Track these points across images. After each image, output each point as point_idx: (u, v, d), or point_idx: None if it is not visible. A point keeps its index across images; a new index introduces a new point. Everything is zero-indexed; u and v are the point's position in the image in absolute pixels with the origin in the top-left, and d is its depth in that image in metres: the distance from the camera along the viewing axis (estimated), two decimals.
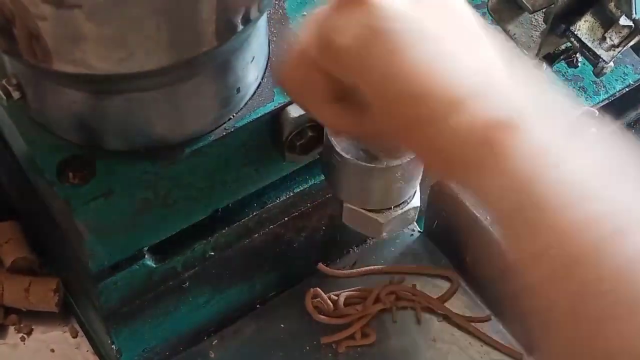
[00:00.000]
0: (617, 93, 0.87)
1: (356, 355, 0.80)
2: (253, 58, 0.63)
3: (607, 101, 0.87)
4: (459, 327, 0.81)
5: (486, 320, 0.81)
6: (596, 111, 0.85)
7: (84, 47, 0.52)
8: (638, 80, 0.86)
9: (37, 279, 0.79)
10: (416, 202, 0.66)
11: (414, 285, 0.82)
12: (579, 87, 0.87)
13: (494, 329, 0.81)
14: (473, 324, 0.81)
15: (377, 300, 0.81)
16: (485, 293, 0.81)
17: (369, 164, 0.61)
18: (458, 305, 0.82)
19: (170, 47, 0.53)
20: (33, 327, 0.80)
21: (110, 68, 0.53)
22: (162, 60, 0.53)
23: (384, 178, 0.62)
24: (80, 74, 0.54)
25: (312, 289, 0.81)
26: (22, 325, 0.80)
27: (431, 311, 0.82)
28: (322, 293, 0.80)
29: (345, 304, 0.81)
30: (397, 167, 0.61)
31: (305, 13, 0.70)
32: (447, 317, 0.81)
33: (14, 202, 0.81)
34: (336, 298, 0.81)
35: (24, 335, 0.80)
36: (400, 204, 0.65)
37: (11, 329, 0.80)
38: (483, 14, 0.89)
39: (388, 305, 0.81)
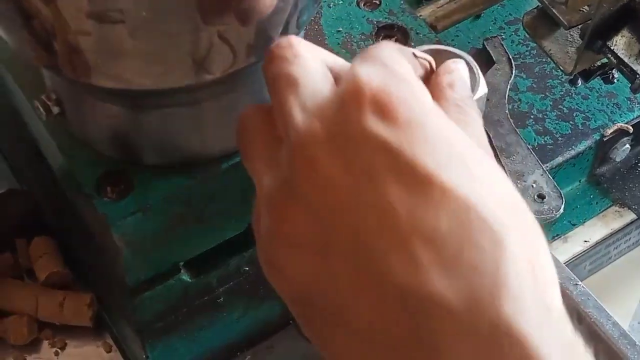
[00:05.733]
0: None
1: None
2: None
3: None
4: None
5: None
6: (631, 128, 0.85)
7: (124, 63, 0.52)
8: None
9: (71, 293, 0.80)
10: None
11: None
12: (613, 104, 0.87)
13: None
14: None
15: None
16: None
17: None
18: None
19: (210, 63, 0.53)
20: (67, 341, 0.81)
21: (150, 83, 0.53)
22: (201, 76, 0.54)
23: None
24: (119, 89, 0.54)
25: None
26: (55, 340, 0.80)
27: None
28: None
29: None
30: None
31: (340, 29, 0.70)
32: None
33: (48, 217, 0.82)
34: None
35: (58, 350, 0.80)
36: None
37: (45, 343, 0.80)
38: (517, 30, 0.90)
39: None
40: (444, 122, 0.44)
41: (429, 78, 0.52)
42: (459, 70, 0.52)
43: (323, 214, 0.42)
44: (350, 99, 0.43)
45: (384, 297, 0.41)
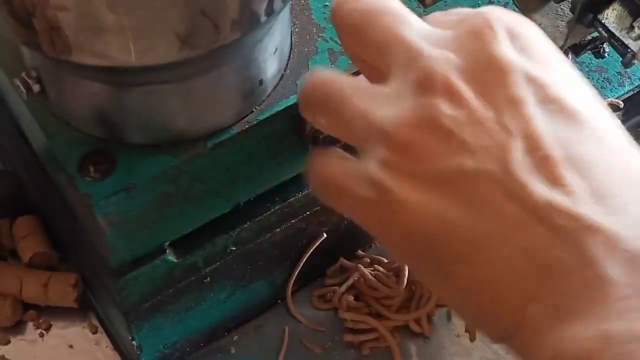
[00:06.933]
0: None
1: (379, 351, 0.79)
2: (276, 49, 0.62)
3: (632, 92, 0.86)
4: None
5: None
6: (621, 103, 0.84)
7: (104, 39, 0.51)
8: None
9: (56, 274, 0.79)
10: None
11: None
12: (604, 79, 0.86)
13: None
14: None
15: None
16: None
17: None
18: None
19: (193, 39, 0.52)
20: (52, 323, 0.80)
21: (131, 60, 0.52)
22: (184, 52, 0.52)
23: None
24: (100, 66, 0.53)
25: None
26: (40, 321, 0.80)
27: None
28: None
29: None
30: None
31: (327, 4, 0.69)
32: None
33: (33, 197, 0.81)
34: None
35: (43, 331, 0.79)
36: None
37: (30, 324, 0.80)
38: (506, 4, 0.89)
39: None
40: (568, 65, 0.45)
41: None
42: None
43: (462, 140, 0.41)
44: (484, 29, 0.43)
45: (528, 219, 0.40)
